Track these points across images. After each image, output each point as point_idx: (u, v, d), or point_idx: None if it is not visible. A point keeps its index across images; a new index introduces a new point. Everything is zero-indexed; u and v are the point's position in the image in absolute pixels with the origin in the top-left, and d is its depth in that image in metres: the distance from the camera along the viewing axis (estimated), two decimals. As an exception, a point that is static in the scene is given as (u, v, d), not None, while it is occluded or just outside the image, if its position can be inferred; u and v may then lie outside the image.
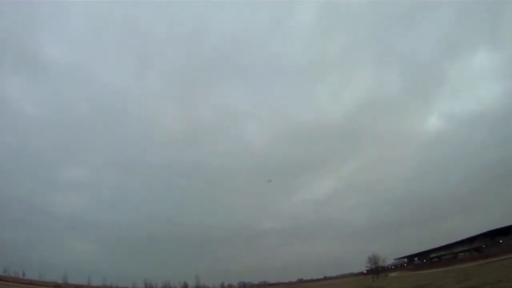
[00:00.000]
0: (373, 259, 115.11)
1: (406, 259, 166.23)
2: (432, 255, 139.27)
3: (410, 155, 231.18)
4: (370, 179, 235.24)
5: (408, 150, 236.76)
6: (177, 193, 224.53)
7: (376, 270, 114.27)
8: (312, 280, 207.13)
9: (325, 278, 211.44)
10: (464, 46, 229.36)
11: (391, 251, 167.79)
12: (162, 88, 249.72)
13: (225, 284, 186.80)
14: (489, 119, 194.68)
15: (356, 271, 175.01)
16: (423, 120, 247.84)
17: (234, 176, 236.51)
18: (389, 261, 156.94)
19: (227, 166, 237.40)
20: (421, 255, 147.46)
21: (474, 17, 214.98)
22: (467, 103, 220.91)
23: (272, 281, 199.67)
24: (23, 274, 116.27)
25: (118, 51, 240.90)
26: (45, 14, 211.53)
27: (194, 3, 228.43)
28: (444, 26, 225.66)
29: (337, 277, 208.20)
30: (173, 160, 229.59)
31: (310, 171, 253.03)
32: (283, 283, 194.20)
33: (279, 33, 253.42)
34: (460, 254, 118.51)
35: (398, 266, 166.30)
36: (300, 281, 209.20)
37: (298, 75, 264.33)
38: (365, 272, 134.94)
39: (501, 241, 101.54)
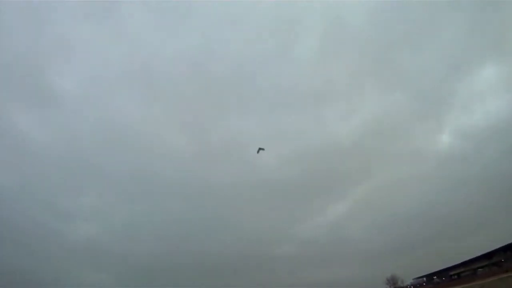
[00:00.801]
0: (392, 280, 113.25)
1: (425, 278, 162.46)
2: (451, 273, 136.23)
3: (423, 174, 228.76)
4: (384, 200, 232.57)
5: (420, 169, 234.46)
6: (187, 221, 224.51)
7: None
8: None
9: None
10: (471, 62, 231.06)
11: (409, 271, 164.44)
12: (170, 116, 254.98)
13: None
14: (501, 132, 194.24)
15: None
16: (434, 139, 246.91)
17: (245, 201, 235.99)
18: (408, 281, 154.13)
19: (238, 191, 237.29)
20: (440, 273, 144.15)
21: (478, 32, 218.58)
22: (477, 119, 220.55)
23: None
24: None
25: (126, 82, 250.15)
26: (55, 48, 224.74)
27: (200, 33, 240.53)
28: (449, 44, 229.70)
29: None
30: (183, 187, 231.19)
31: (322, 195, 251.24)
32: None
33: (285, 59, 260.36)
34: (479, 269, 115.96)
35: (417, 286, 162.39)
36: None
37: (305, 100, 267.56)
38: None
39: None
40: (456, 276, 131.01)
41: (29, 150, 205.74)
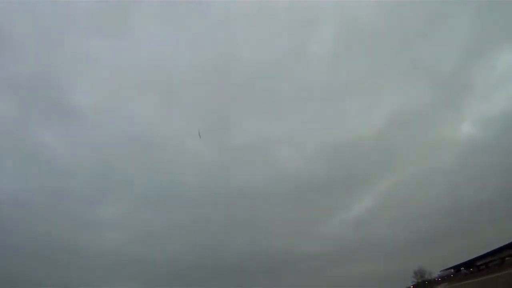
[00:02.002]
0: (419, 273, 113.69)
1: (452, 270, 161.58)
2: (478, 263, 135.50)
3: (446, 165, 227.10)
4: (408, 193, 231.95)
5: (444, 160, 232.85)
6: (215, 224, 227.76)
7: (423, 284, 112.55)
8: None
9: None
10: (488, 48, 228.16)
11: (436, 264, 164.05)
12: (189, 122, 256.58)
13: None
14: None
15: (402, 287, 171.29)
16: (456, 129, 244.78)
17: (271, 202, 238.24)
18: (435, 273, 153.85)
19: (263, 193, 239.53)
20: (468, 264, 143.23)
21: (493, 16, 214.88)
22: (498, 105, 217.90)
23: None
24: None
25: (144, 91, 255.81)
26: (71, 64, 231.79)
27: (215, 36, 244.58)
28: (465, 31, 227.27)
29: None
30: (207, 191, 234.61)
31: (347, 191, 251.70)
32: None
33: (302, 58, 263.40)
34: (507, 258, 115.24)
35: (445, 278, 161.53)
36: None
37: (325, 98, 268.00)
38: (411, 287, 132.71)
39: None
40: (484, 266, 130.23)
41: (51, 164, 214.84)
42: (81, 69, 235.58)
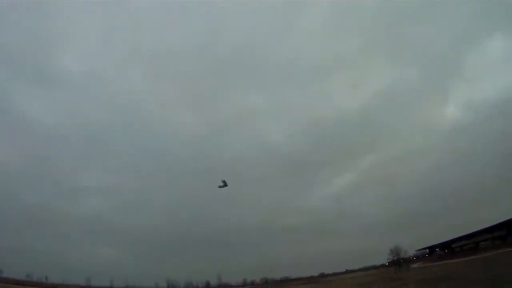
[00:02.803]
0: (395, 251, 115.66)
1: (428, 250, 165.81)
2: (454, 245, 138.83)
3: (429, 146, 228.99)
4: (390, 172, 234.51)
5: (427, 141, 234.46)
6: (196, 192, 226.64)
7: (398, 262, 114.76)
8: (334, 274, 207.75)
9: (347, 272, 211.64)
10: (480, 34, 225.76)
11: (413, 243, 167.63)
12: (178, 94, 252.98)
13: (248, 281, 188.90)
14: (508, 106, 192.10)
15: (378, 263, 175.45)
16: (441, 111, 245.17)
17: (254, 174, 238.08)
18: (411, 252, 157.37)
19: (247, 164, 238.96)
20: (443, 245, 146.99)
21: (490, 5, 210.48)
22: (485, 91, 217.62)
23: (294, 276, 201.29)
24: (46, 279, 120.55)
25: (134, 61, 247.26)
26: (60, 30, 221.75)
27: (206, 9, 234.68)
28: (458, 15, 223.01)
29: (359, 270, 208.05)
30: (192, 161, 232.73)
31: (330, 166, 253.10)
32: (305, 278, 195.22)
33: (292, 33, 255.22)
34: (483, 243, 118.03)
35: (420, 257, 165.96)
36: (322, 275, 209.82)
37: (313, 73, 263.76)
38: (387, 264, 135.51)
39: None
40: (459, 249, 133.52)
41: (37, 130, 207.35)
42: (70, 35, 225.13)
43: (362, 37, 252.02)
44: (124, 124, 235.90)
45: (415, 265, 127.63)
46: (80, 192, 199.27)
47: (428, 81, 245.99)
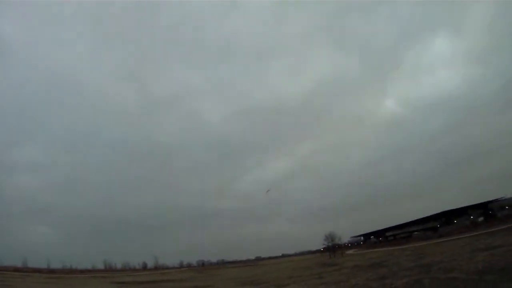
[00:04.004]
0: (330, 237, 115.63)
1: (362, 237, 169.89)
2: (387, 234, 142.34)
3: (366, 138, 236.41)
4: (327, 161, 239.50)
5: (364, 133, 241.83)
6: (132, 173, 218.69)
7: (333, 248, 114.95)
8: (270, 258, 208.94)
9: (283, 256, 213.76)
10: (423, 31, 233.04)
11: (348, 230, 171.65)
12: (114, 66, 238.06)
13: (184, 263, 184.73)
14: (445, 105, 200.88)
15: (313, 249, 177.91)
16: (380, 104, 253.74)
17: (189, 154, 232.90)
18: (346, 239, 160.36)
19: (182, 144, 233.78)
20: (377, 233, 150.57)
21: (434, 4, 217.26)
22: (424, 88, 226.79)
23: (230, 259, 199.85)
24: None
25: (70, 31, 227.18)
26: None
27: None
28: (405, 13, 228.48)
29: (295, 254, 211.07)
30: (128, 139, 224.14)
31: (265, 151, 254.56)
32: (242, 261, 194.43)
33: (235, 13, 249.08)
34: (415, 233, 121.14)
35: (354, 244, 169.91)
36: (258, 259, 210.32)
37: (254, 55, 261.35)
38: (322, 249, 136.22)
39: (455, 221, 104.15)
40: (392, 238, 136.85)
41: None
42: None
43: (305, 24, 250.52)
44: (58, 97, 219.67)
45: (350, 251, 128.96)
46: (10, 168, 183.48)
47: (369, 73, 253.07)
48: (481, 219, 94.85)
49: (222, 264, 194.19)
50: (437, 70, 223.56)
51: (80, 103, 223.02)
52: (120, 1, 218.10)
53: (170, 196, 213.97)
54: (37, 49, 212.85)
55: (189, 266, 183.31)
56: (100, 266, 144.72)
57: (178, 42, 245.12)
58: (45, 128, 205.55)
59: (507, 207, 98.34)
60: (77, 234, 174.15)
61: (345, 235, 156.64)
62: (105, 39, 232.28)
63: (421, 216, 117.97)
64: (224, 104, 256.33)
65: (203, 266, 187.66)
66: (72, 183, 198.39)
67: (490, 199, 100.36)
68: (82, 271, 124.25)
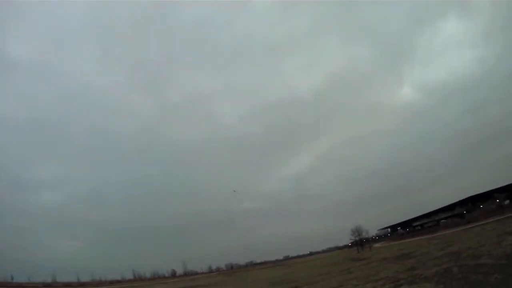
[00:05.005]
0: (357, 231, 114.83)
1: (389, 229, 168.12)
2: (414, 224, 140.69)
3: (385, 127, 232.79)
4: (348, 153, 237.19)
5: (383, 123, 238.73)
6: (156, 180, 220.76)
7: (361, 242, 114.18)
8: (298, 257, 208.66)
9: (311, 254, 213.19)
10: (433, 15, 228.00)
11: (374, 223, 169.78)
12: (128, 77, 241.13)
13: (213, 267, 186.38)
14: (461, 87, 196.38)
15: (341, 244, 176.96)
16: (396, 92, 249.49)
17: (209, 158, 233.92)
18: (373, 232, 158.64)
19: (201, 148, 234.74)
20: (404, 224, 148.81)
21: None
22: (438, 73, 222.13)
23: (258, 261, 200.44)
24: (12, 278, 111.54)
25: (81, 45, 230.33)
26: (6, 14, 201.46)
27: None
28: None
29: (323, 251, 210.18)
30: (147, 147, 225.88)
31: (286, 148, 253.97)
32: (270, 262, 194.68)
33: (244, 14, 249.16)
34: (442, 221, 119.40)
35: (382, 237, 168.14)
36: (287, 258, 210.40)
37: (265, 54, 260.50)
38: (350, 244, 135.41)
39: (481, 206, 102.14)
40: (419, 227, 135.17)
41: None
42: (17, 19, 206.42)
43: (315, 16, 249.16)
44: (77, 110, 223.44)
45: (377, 244, 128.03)
46: (33, 184, 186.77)
47: (383, 62, 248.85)
48: (507, 202, 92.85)
49: (251, 265, 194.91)
50: (450, 53, 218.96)
51: (98, 116, 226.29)
52: (129, 8, 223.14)
53: (194, 201, 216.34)
54: (50, 65, 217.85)
55: (218, 270, 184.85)
56: (129, 276, 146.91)
57: (190, 46, 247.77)
58: (65, 143, 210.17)
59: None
60: (105, 246, 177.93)
61: (372, 228, 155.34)
62: (118, 49, 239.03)
63: (447, 203, 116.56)
64: (241, 104, 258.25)
65: (232, 269, 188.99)
66: (96, 195, 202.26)
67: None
68: (111, 282, 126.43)
